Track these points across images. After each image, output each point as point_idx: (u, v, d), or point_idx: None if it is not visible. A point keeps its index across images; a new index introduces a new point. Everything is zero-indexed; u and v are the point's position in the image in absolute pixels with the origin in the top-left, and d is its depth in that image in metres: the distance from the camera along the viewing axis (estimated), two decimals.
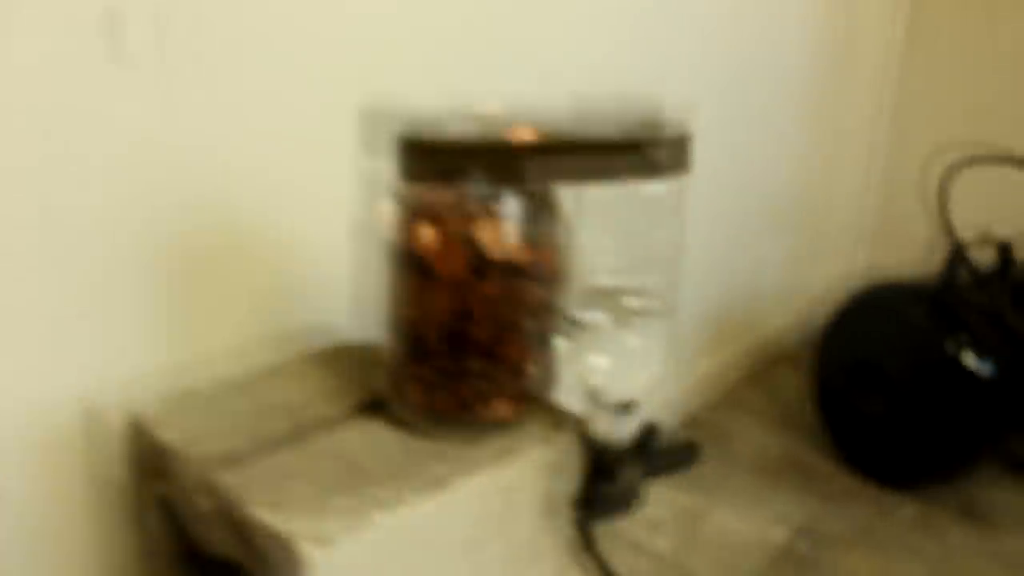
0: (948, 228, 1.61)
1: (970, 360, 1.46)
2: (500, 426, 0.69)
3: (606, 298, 0.66)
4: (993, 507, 1.59)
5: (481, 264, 0.62)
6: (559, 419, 0.71)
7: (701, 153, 1.60)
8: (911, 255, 1.72)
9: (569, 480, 0.70)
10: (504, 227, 0.62)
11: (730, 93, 1.69)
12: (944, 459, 1.56)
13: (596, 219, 0.65)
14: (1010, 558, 1.44)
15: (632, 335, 0.65)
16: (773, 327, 2.14)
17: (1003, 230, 1.60)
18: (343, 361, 0.84)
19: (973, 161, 1.61)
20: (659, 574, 1.35)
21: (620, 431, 0.72)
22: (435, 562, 0.64)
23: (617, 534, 1.32)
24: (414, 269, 0.65)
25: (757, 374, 2.08)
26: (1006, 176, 1.68)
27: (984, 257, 1.60)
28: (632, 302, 0.65)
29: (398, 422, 0.71)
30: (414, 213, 0.64)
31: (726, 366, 1.98)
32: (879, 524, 1.53)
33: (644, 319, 0.65)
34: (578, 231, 0.65)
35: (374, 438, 0.70)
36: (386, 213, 0.65)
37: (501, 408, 0.69)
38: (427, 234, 0.63)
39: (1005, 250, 1.60)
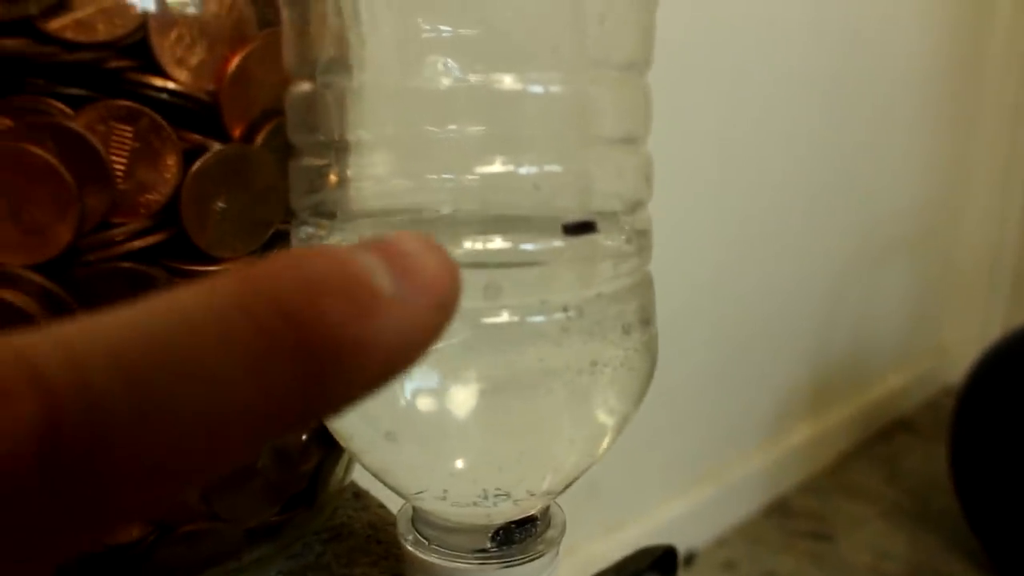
0: None
1: None
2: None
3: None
4: None
5: None
6: None
7: (799, 173, 1.29)
8: None
9: None
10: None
11: (834, 106, 1.37)
12: None
13: None
14: None
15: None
16: (888, 386, 1.72)
17: None
18: None
19: None
20: None
21: None
22: None
23: None
24: None
25: (869, 446, 1.62)
26: None
27: None
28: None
29: None
30: None
31: (828, 434, 1.56)
32: None
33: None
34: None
35: None
36: None
37: None
38: None
39: None
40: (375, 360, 0.11)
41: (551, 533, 0.24)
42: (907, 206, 1.66)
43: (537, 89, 0.19)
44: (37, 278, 0.21)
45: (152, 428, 0.09)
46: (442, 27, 0.22)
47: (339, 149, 0.23)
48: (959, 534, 1.27)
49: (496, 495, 0.22)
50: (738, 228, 1.21)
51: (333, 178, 0.24)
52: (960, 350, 1.67)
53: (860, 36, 1.38)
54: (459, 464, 0.21)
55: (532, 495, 0.23)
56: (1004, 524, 1.19)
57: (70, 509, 0.09)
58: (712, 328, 1.23)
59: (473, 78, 0.21)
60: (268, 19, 0.23)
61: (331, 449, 0.28)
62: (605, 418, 0.21)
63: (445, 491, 0.22)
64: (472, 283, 0.19)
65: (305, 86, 0.21)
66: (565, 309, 0.19)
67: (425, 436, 0.20)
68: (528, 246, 0.19)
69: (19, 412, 0.09)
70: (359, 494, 0.32)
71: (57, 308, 0.21)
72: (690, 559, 1.23)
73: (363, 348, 0.10)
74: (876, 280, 1.62)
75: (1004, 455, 1.16)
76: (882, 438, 1.65)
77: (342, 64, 0.23)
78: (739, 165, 1.19)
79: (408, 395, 0.20)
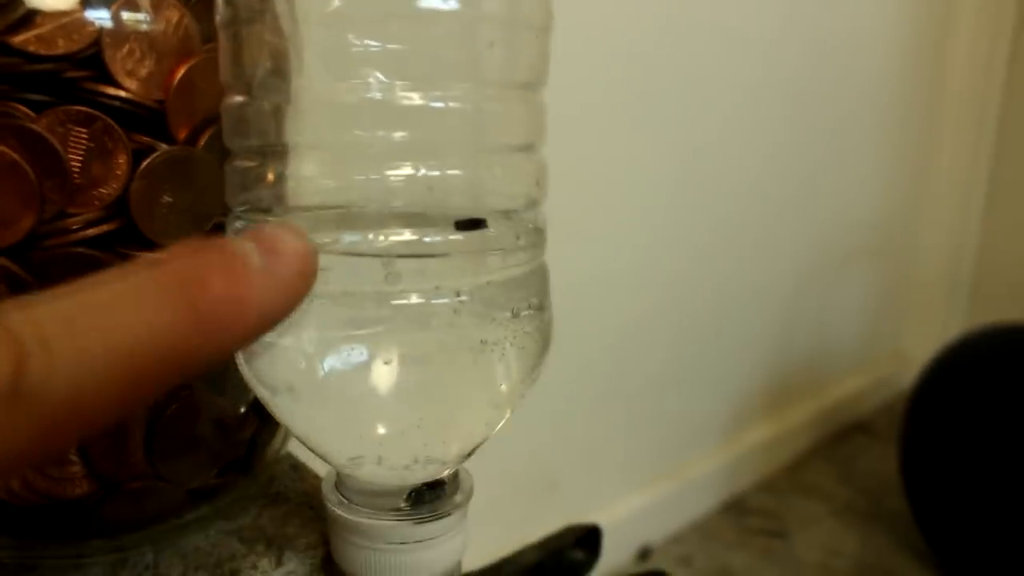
0: None
1: None
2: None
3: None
4: None
5: None
6: None
7: (762, 179, 1.31)
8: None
9: None
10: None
11: (797, 115, 1.39)
12: None
13: None
14: None
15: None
16: (846, 389, 1.74)
17: None
18: None
19: None
20: None
21: None
22: None
23: None
24: None
25: (825, 447, 1.65)
26: None
27: None
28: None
29: None
30: None
31: (786, 435, 1.58)
32: None
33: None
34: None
35: None
36: None
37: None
38: None
39: None
40: (250, 314, 0.15)
41: (459, 497, 0.28)
42: (868, 214, 1.68)
43: (439, 104, 0.22)
44: (1, 260, 0.24)
45: (91, 365, 0.13)
46: (370, 42, 0.25)
47: (274, 152, 0.26)
48: (909, 534, 1.31)
49: (426, 461, 0.26)
50: (700, 233, 1.24)
51: (270, 177, 0.27)
52: (918, 356, 1.69)
53: (824, 47, 1.40)
54: (375, 429, 0.24)
55: (442, 462, 0.26)
56: (952, 525, 1.22)
57: (31, 431, 0.13)
58: (673, 330, 1.25)
59: (392, 91, 0.24)
60: (211, 35, 0.26)
61: (267, 421, 0.30)
62: (496, 391, 0.24)
63: (380, 457, 0.25)
64: (378, 270, 0.22)
65: (239, 98, 0.24)
66: (458, 294, 0.22)
67: (329, 399, 0.23)
68: (427, 239, 0.22)
69: None
70: (296, 466, 0.34)
71: (17, 286, 0.24)
72: (646, 554, 1.26)
73: (239, 306, 0.15)
74: (836, 286, 1.64)
75: (953, 458, 1.20)
76: (839, 440, 1.68)
77: (280, 74, 0.26)
78: (702, 171, 1.21)
79: (324, 367, 0.23)
